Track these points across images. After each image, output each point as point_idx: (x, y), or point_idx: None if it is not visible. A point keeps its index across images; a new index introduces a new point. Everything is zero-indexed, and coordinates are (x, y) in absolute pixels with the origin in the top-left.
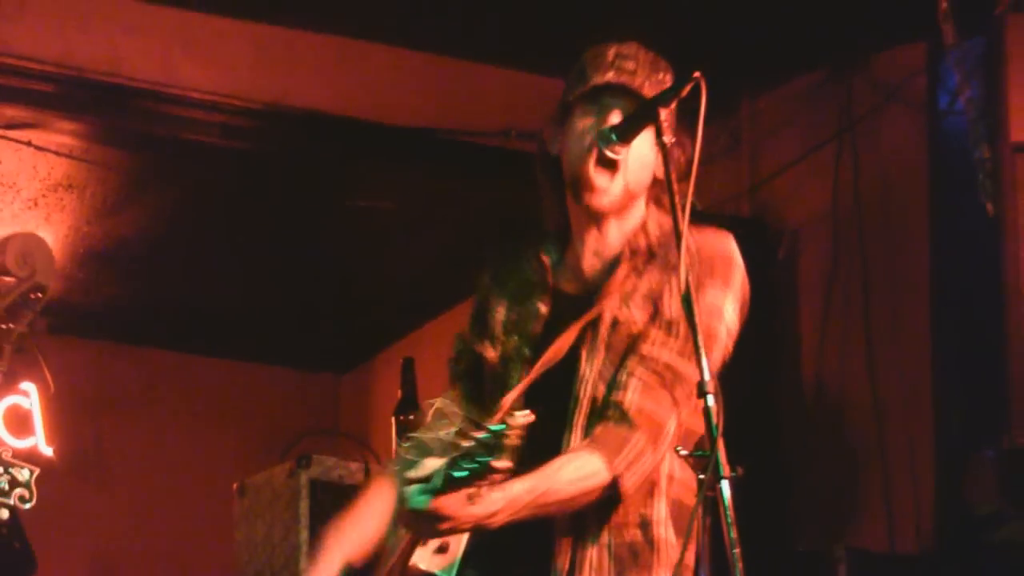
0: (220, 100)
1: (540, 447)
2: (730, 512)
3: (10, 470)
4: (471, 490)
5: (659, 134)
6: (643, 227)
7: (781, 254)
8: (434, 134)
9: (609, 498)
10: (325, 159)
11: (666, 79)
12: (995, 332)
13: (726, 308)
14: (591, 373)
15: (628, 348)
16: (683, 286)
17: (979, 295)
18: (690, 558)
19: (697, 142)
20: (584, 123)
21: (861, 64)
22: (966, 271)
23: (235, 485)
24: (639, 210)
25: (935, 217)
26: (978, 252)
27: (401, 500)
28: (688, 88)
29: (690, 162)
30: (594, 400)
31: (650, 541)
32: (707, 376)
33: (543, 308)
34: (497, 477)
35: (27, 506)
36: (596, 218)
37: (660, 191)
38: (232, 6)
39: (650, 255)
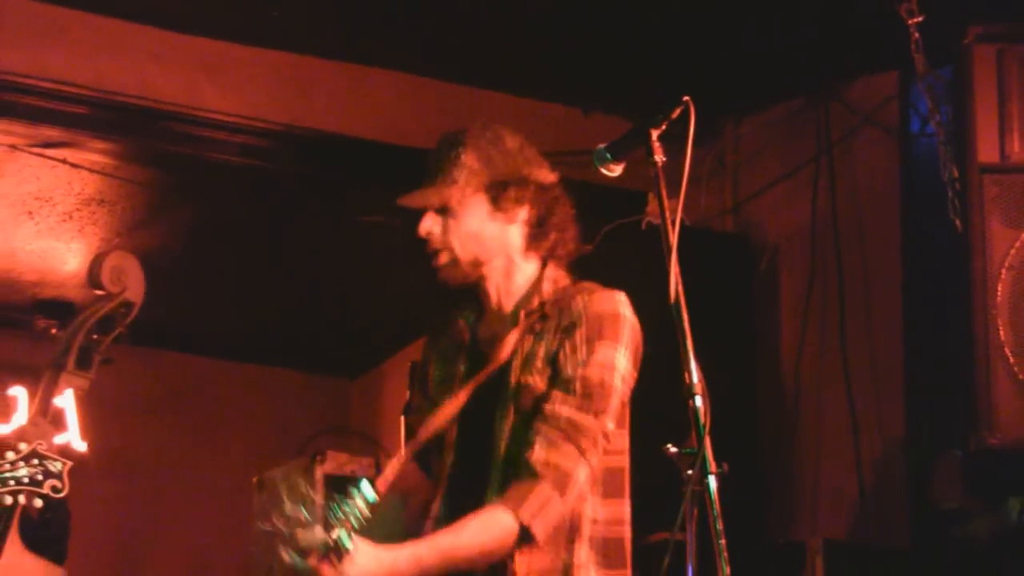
0: (240, 122)
1: (466, 503)
2: (716, 505)
3: (44, 461)
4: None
5: (649, 154)
6: (537, 284)
7: (762, 267)
8: None
9: (527, 547)
10: (337, 177)
11: (451, 169)
12: (963, 340)
13: (618, 361)
14: (505, 432)
15: (534, 409)
16: (673, 296)
17: (948, 306)
18: None
19: (686, 161)
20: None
21: (837, 91)
22: (936, 283)
23: (254, 479)
24: (528, 268)
25: (907, 233)
26: (947, 266)
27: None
28: (678, 111)
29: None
30: (509, 458)
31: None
32: (695, 378)
33: (461, 368)
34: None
35: (59, 496)
36: (479, 287)
37: (548, 243)
38: (251, 35)
39: (544, 316)
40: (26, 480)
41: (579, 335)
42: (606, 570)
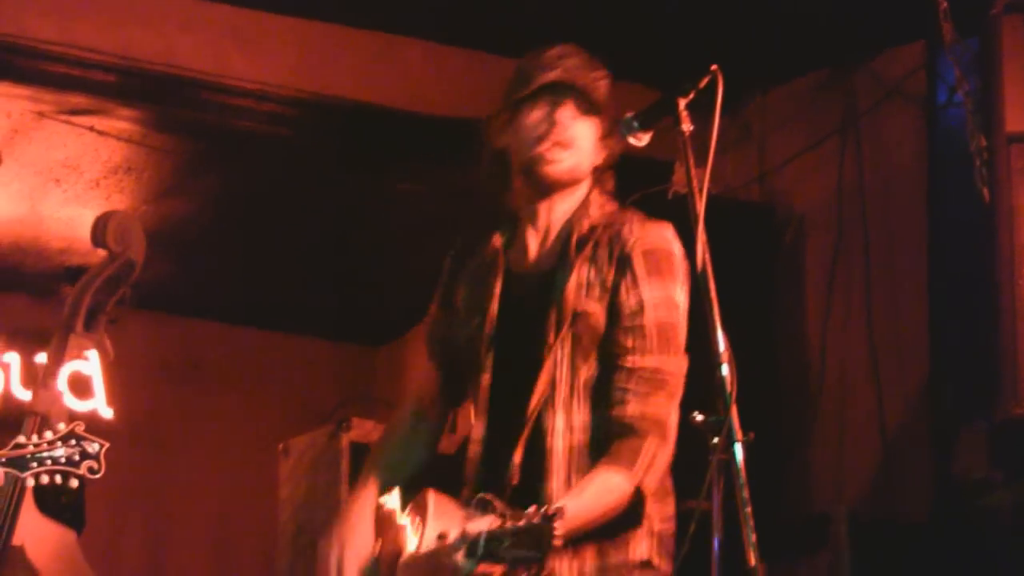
0: (267, 90)
1: (509, 424)
2: (742, 474)
3: (81, 442)
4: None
5: (677, 123)
6: (585, 207)
7: (788, 238)
8: (464, 123)
9: (640, 501)
10: (363, 145)
11: (600, 77)
12: (989, 311)
13: (678, 297)
14: (564, 357)
15: (594, 342)
16: (700, 265)
17: (974, 276)
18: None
19: (714, 131)
20: (537, 115)
21: (864, 61)
22: (962, 254)
23: (280, 446)
24: (580, 194)
25: (934, 203)
26: (974, 236)
27: (448, 567)
28: (705, 81)
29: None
30: (568, 380)
31: (624, 514)
32: (721, 347)
33: (497, 287)
34: (536, 569)
35: (95, 476)
36: (543, 195)
37: (599, 178)
38: (278, 3)
39: (596, 243)
40: (63, 460)
41: (639, 272)
42: (667, 498)
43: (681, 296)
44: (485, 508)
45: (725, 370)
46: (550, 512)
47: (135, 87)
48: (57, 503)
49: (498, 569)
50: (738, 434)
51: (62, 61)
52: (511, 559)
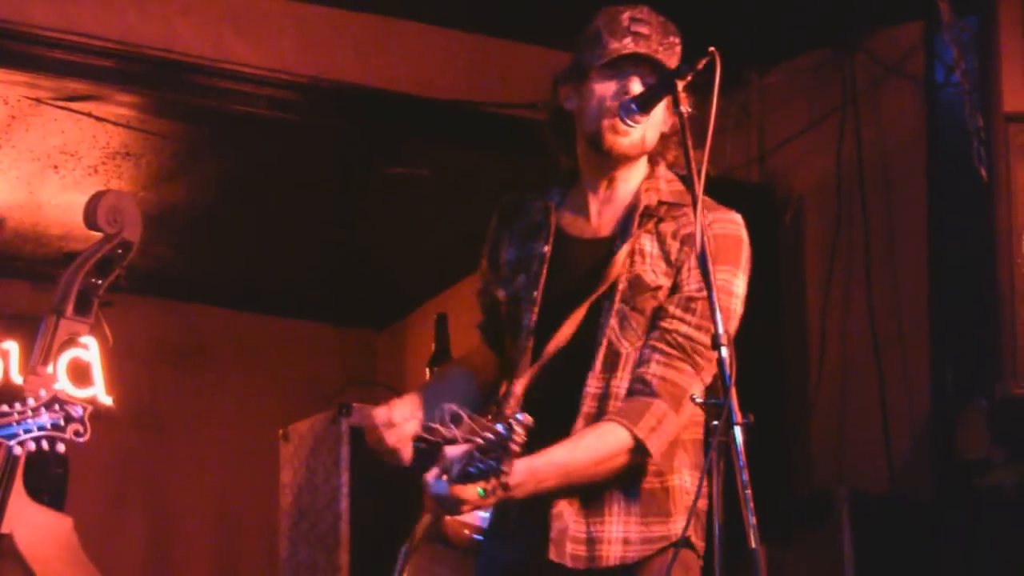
0: (267, 75)
1: (563, 389)
2: (742, 456)
3: (64, 407)
4: (484, 485)
5: (676, 104)
6: (654, 180)
7: (788, 218)
8: (466, 106)
9: (643, 460)
10: (363, 130)
11: (675, 43)
12: (988, 289)
13: (737, 286)
14: (614, 322)
15: (653, 312)
16: (699, 248)
17: (973, 255)
18: (702, 502)
19: (712, 112)
20: (605, 89)
21: (862, 41)
22: (961, 232)
23: (280, 431)
24: (644, 166)
25: (932, 182)
26: (972, 214)
27: (425, 485)
28: (704, 62)
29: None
30: (614, 347)
31: (666, 488)
32: (720, 329)
33: (546, 249)
34: (504, 478)
35: (81, 440)
36: (609, 167)
37: (666, 149)
38: None
39: (659, 219)
40: (49, 426)
41: (706, 255)
42: (694, 471)
43: (740, 285)
44: (454, 420)
45: (724, 352)
46: (511, 422)
47: (133, 72)
48: (42, 486)
49: (472, 493)
50: (738, 416)
51: (60, 47)
52: (478, 473)
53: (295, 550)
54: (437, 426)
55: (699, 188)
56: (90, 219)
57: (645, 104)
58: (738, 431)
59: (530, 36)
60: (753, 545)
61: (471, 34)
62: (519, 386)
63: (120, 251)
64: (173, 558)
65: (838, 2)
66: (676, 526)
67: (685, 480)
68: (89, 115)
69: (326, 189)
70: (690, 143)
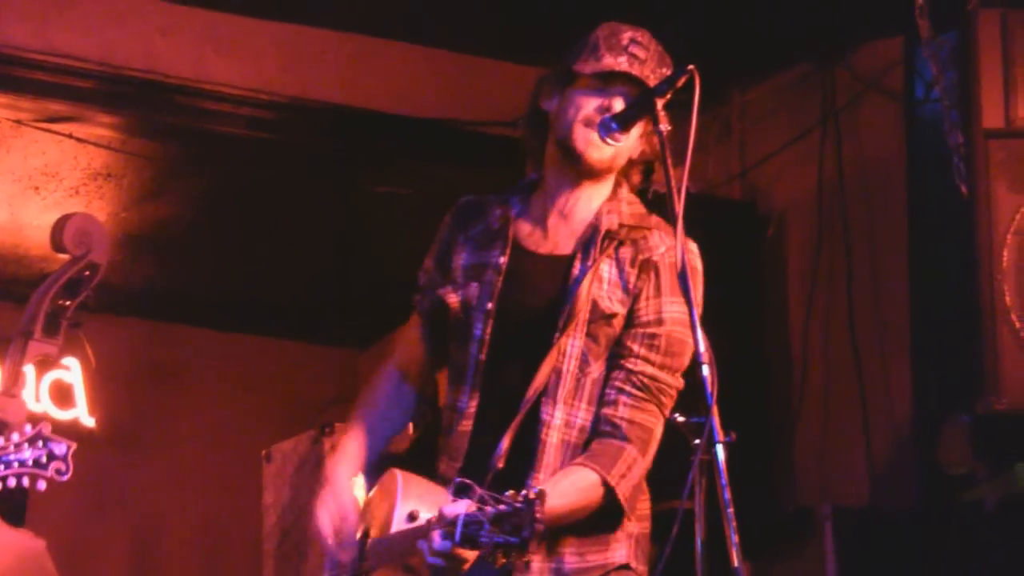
0: (247, 94)
1: (504, 403)
2: (724, 474)
3: (48, 443)
4: (503, 557)
5: (656, 123)
6: (616, 202)
7: (770, 234)
8: (446, 125)
9: (611, 505)
10: (344, 149)
11: (664, 75)
12: (969, 304)
13: (694, 317)
14: (574, 350)
15: (611, 354)
16: (679, 265)
17: (954, 270)
18: (643, 526)
19: (691, 130)
20: (593, 97)
21: (843, 57)
22: (942, 248)
23: (263, 452)
24: (607, 187)
25: (913, 198)
26: (952, 230)
27: (421, 544)
28: (683, 80)
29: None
30: (575, 376)
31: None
32: (702, 347)
33: (502, 260)
34: (528, 556)
35: (63, 478)
36: (574, 178)
37: (631, 172)
38: (258, 7)
39: (620, 242)
40: (30, 463)
41: (663, 282)
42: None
43: (695, 317)
44: (463, 492)
45: (706, 371)
46: (531, 496)
47: (114, 93)
48: (6, 508)
49: (473, 554)
50: (719, 435)
51: (40, 68)
52: (491, 544)
53: (279, 571)
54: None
55: (679, 206)
56: (57, 241)
57: (625, 122)
58: (720, 449)
59: (511, 55)
60: (736, 563)
61: (452, 53)
62: (470, 404)
63: (88, 273)
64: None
65: (818, 18)
66: (615, 554)
67: (632, 528)
68: (70, 136)
69: (308, 208)
70: (670, 161)
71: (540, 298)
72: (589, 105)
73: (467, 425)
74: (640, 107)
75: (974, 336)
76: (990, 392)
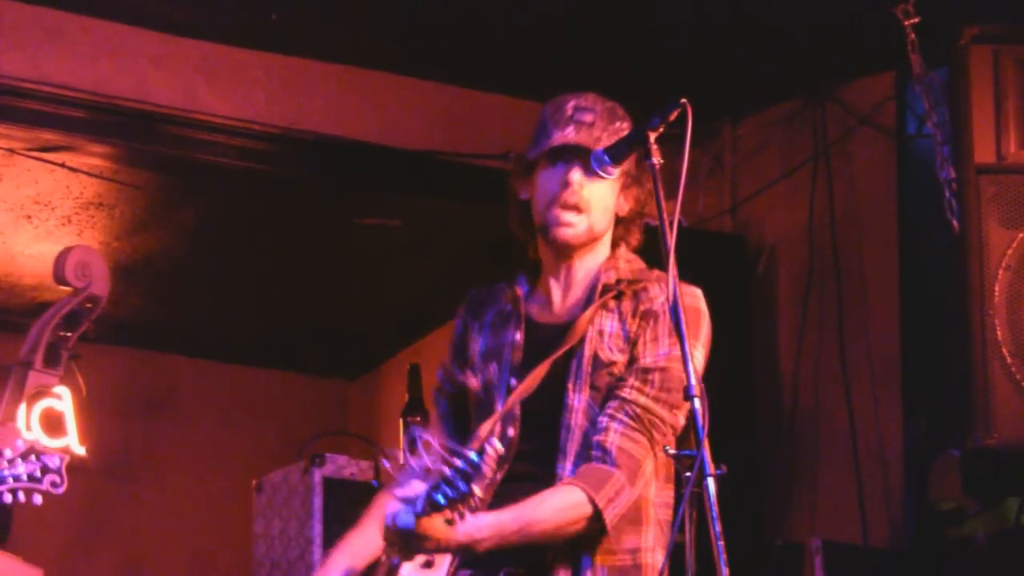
0: (238, 125)
1: (533, 473)
2: (715, 507)
3: (42, 457)
4: (450, 514)
5: (647, 156)
6: (613, 260)
7: (760, 268)
8: (436, 156)
9: (596, 529)
10: (335, 180)
11: (623, 126)
12: (960, 340)
13: (696, 356)
14: (579, 405)
15: (609, 388)
16: (671, 298)
17: (945, 306)
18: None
19: (684, 163)
20: (550, 175)
21: (834, 92)
22: (933, 283)
23: (253, 482)
24: (604, 250)
25: (904, 233)
26: (944, 266)
27: (388, 520)
28: (675, 114)
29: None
30: (584, 431)
31: (638, 567)
32: (693, 381)
33: (518, 336)
34: (474, 503)
35: (58, 491)
36: (564, 255)
37: (628, 232)
38: (250, 38)
39: (619, 294)
40: (25, 477)
41: (661, 327)
42: (664, 551)
43: (699, 357)
44: (424, 448)
45: (697, 404)
46: (484, 446)
47: (106, 123)
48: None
49: (438, 521)
50: (710, 468)
51: (32, 97)
52: (448, 501)
53: None
54: (398, 452)
55: (671, 239)
56: (59, 274)
57: (616, 156)
58: (711, 482)
59: (500, 87)
60: None
61: (442, 84)
62: (496, 476)
63: (89, 305)
64: None
65: (810, 53)
66: None
67: (657, 559)
68: (63, 166)
69: (298, 239)
70: (662, 194)
71: (562, 373)
72: (551, 184)
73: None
74: (632, 142)
75: (965, 371)
76: (980, 427)
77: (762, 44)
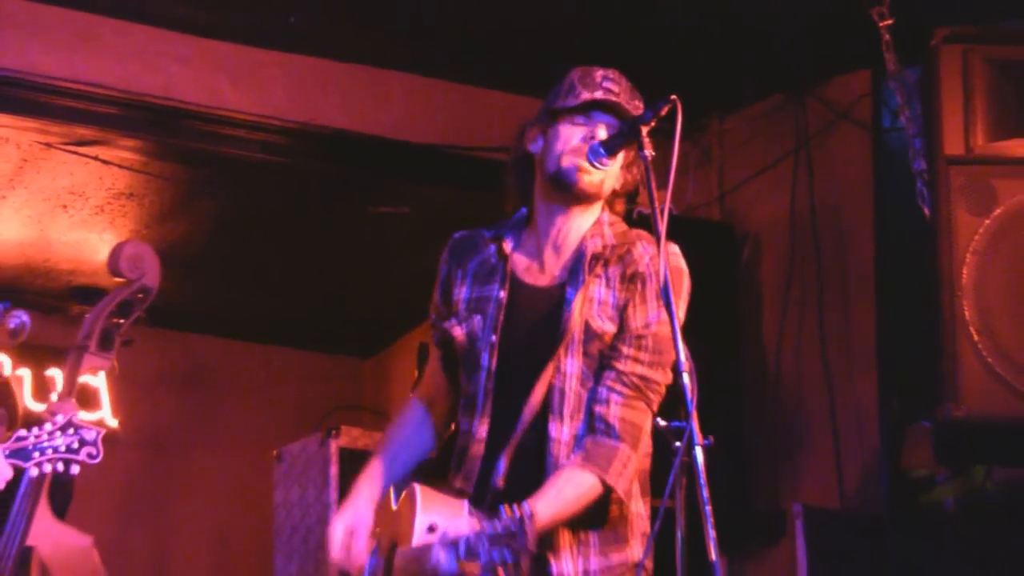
0: (258, 120)
1: (510, 430)
2: (703, 475)
3: (79, 431)
4: (486, 568)
5: (640, 148)
6: (598, 227)
7: (746, 253)
8: (443, 149)
9: (608, 498)
10: (349, 171)
11: (639, 105)
12: (931, 320)
13: (679, 313)
14: (574, 370)
15: (602, 358)
16: (662, 281)
17: (917, 288)
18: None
19: (674, 155)
20: (573, 132)
21: (814, 89)
22: (906, 266)
23: (274, 452)
24: (595, 211)
25: (879, 220)
26: (917, 251)
27: (433, 560)
28: (666, 109)
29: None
30: (577, 394)
31: (625, 516)
32: (683, 357)
33: (503, 295)
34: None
35: (94, 461)
36: (563, 207)
37: (614, 201)
38: (269, 39)
39: (606, 262)
40: (63, 448)
41: (649, 291)
42: (645, 498)
43: (682, 313)
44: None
45: (686, 379)
46: (520, 515)
47: (136, 119)
48: (57, 500)
49: (476, 567)
50: (699, 439)
51: (68, 95)
52: (489, 561)
53: (287, 563)
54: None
55: (663, 226)
56: (113, 266)
57: (612, 148)
58: (699, 452)
59: (503, 85)
60: (713, 557)
61: (448, 83)
62: (481, 428)
63: (140, 295)
64: (174, 569)
65: (791, 53)
66: (633, 552)
67: (640, 507)
68: (96, 158)
69: (315, 226)
70: (654, 184)
71: (538, 327)
72: (575, 136)
73: (479, 448)
74: (626, 134)
75: (935, 348)
76: (950, 400)
77: (747, 45)
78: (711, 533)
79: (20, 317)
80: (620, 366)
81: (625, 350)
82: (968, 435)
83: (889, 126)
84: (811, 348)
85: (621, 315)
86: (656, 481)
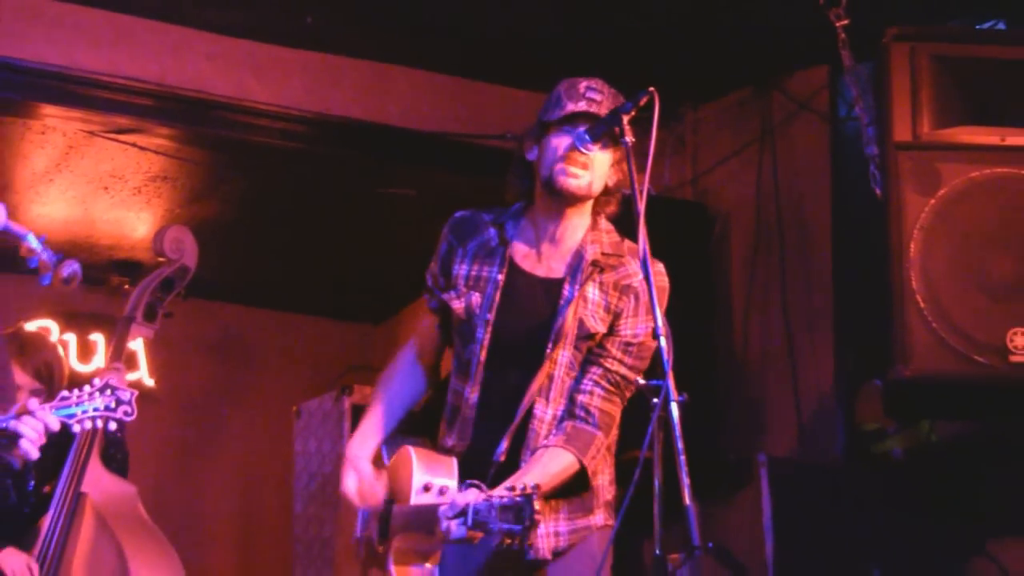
0: (279, 111)
1: (499, 398)
2: (678, 428)
3: (115, 392)
4: (508, 539)
5: (621, 135)
6: (597, 232)
7: (717, 230)
8: (446, 137)
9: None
10: (360, 156)
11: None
12: (882, 289)
13: (659, 324)
14: (564, 360)
15: (589, 352)
16: (641, 254)
17: (871, 259)
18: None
19: (652, 141)
20: (561, 141)
21: (779, 82)
22: (861, 241)
23: (294, 408)
24: (588, 217)
25: (836, 200)
26: (869, 227)
27: (442, 527)
28: (645, 100)
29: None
30: (562, 380)
31: (591, 488)
32: (660, 324)
33: (501, 278)
34: (526, 543)
35: (129, 419)
36: (560, 208)
37: (607, 203)
38: (290, 38)
39: (602, 268)
40: (102, 408)
41: (640, 306)
42: (610, 470)
43: (661, 322)
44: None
45: (663, 342)
46: (528, 491)
47: (169, 110)
48: (111, 457)
49: (479, 535)
50: (674, 395)
51: (108, 88)
52: (496, 530)
53: (306, 507)
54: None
55: (642, 205)
56: (157, 247)
57: (595, 135)
58: (675, 407)
59: (502, 79)
60: (687, 501)
61: (449, 77)
62: (472, 394)
63: (181, 274)
64: (205, 513)
65: (758, 50)
66: (596, 518)
67: (603, 480)
68: (134, 145)
69: (329, 206)
70: (634, 167)
71: (534, 314)
72: (561, 144)
73: (471, 412)
74: (609, 122)
75: (886, 315)
76: (899, 361)
77: (718, 42)
78: (685, 480)
79: (72, 266)
80: (607, 364)
81: (614, 352)
82: (915, 392)
83: (845, 115)
84: (775, 315)
85: (613, 322)
86: (636, 434)
